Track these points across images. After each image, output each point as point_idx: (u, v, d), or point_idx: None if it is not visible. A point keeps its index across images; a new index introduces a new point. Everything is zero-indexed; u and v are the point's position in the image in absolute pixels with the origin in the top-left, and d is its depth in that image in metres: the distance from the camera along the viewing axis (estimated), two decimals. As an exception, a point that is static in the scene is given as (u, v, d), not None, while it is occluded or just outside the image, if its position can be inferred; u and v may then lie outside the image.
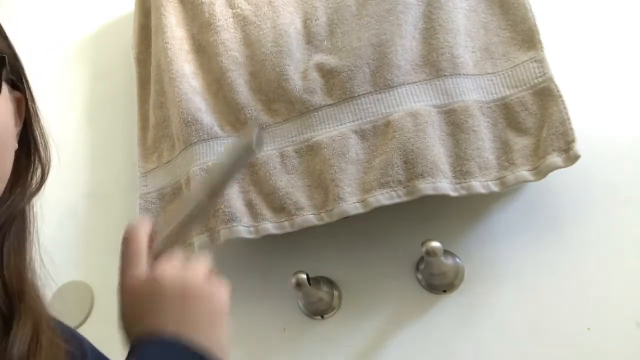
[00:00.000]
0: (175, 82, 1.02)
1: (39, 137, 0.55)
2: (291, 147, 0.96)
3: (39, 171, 0.55)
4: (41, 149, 0.55)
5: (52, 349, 0.49)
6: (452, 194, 0.85)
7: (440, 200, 0.88)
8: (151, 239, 0.52)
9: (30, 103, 0.53)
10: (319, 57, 0.98)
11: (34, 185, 0.55)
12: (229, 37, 1.03)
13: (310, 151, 0.95)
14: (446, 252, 0.90)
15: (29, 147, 0.54)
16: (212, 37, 1.04)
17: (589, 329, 0.83)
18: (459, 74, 0.92)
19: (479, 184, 0.86)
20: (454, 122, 0.89)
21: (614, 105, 0.93)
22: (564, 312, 0.85)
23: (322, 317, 0.95)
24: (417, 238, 0.88)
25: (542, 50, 0.90)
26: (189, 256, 0.52)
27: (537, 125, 0.88)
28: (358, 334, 0.92)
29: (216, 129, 1.00)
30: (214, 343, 0.47)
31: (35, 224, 0.57)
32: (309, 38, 1.00)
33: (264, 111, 0.99)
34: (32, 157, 0.54)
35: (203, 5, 1.06)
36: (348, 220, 0.91)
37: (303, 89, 0.96)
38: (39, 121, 0.55)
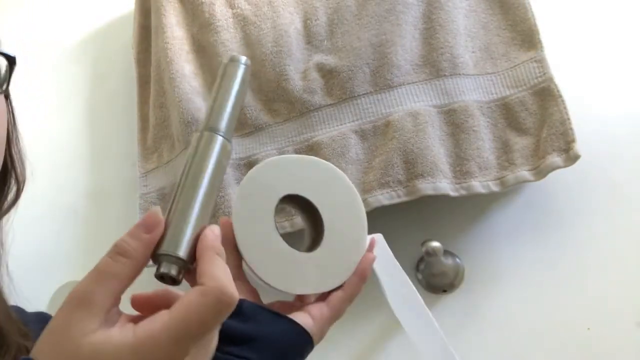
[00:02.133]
0: (175, 82, 1.02)
1: (15, 155, 0.52)
2: (291, 147, 0.96)
3: (14, 189, 0.52)
4: (18, 167, 0.52)
5: None
6: (452, 194, 0.85)
7: (440, 200, 0.88)
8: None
9: (9, 117, 0.50)
10: (319, 57, 0.98)
11: (5, 205, 0.51)
12: (229, 37, 1.03)
13: (310, 151, 0.95)
14: (446, 252, 0.90)
15: (5, 165, 0.50)
16: (212, 37, 1.04)
17: (589, 329, 0.83)
18: (459, 74, 0.92)
19: (479, 184, 0.86)
20: (454, 122, 0.89)
21: (614, 105, 0.93)
22: (564, 312, 0.85)
23: (322, 317, 0.95)
24: (417, 238, 0.88)
25: (542, 50, 0.90)
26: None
27: (537, 125, 0.88)
28: (358, 333, 0.92)
29: (216, 129, 1.00)
30: None
31: (3, 242, 0.53)
32: (309, 38, 1.00)
33: (264, 111, 0.99)
34: (8, 175, 0.51)
35: (203, 5, 1.06)
36: (348, 220, 0.91)
37: (303, 89, 0.96)
38: (17, 137, 0.52)
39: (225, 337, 0.41)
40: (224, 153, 0.42)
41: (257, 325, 0.46)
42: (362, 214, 0.55)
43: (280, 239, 0.51)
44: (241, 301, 0.47)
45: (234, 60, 0.46)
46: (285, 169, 0.52)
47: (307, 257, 0.52)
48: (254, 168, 0.52)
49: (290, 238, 0.97)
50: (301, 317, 0.49)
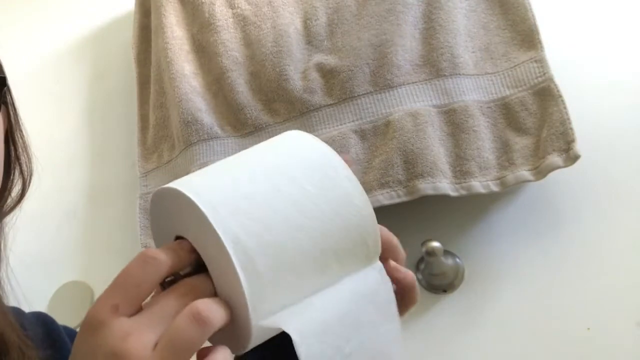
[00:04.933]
0: (175, 82, 1.02)
1: (21, 149, 0.48)
2: (291, 147, 0.96)
3: (19, 186, 0.48)
4: (23, 162, 0.48)
5: None
6: (452, 194, 0.85)
7: (440, 200, 0.88)
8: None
9: (12, 113, 0.47)
10: (319, 57, 0.98)
11: (9, 201, 0.48)
12: (229, 37, 1.03)
13: (310, 151, 0.95)
14: (446, 252, 0.90)
15: (9, 161, 0.47)
16: (212, 37, 1.04)
17: (589, 329, 0.83)
18: (459, 74, 0.92)
19: (479, 184, 0.86)
20: (454, 122, 0.89)
21: (614, 105, 0.93)
22: (564, 312, 0.85)
23: (322, 317, 0.95)
24: (417, 238, 0.88)
25: (542, 50, 0.90)
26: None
27: (537, 125, 0.88)
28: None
29: (216, 129, 1.00)
30: None
31: (6, 242, 0.50)
32: (309, 38, 1.01)
33: (264, 111, 0.99)
34: (12, 171, 0.48)
35: (203, 5, 1.06)
36: (348, 220, 0.91)
37: (303, 89, 0.96)
38: (20, 131, 0.48)
39: None
40: None
41: None
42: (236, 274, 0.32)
43: None
44: None
45: None
46: (172, 205, 0.36)
47: None
48: (152, 196, 0.38)
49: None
50: None
